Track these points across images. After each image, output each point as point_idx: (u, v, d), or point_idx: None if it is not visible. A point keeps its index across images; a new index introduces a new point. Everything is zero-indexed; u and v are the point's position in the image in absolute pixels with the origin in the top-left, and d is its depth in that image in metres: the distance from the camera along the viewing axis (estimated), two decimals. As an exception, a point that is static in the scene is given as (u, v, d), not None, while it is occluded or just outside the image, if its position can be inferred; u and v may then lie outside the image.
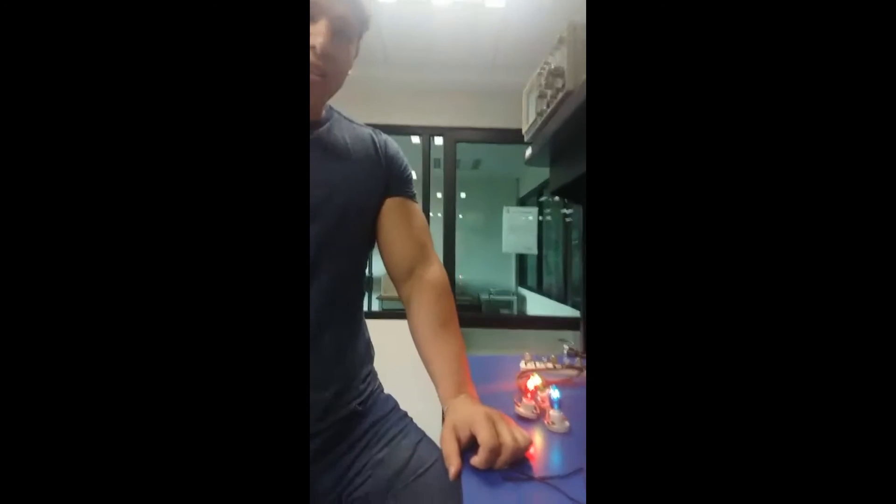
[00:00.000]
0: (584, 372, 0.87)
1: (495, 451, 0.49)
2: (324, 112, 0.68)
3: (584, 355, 0.97)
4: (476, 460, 0.50)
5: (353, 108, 0.73)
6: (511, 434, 0.51)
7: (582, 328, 1.28)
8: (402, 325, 0.74)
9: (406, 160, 0.75)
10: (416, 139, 2.38)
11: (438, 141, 2.35)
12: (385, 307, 3.50)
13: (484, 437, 0.50)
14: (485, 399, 0.61)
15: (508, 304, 4.74)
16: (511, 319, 3.14)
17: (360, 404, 0.67)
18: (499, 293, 4.86)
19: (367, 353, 0.73)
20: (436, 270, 0.71)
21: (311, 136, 0.64)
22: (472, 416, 0.53)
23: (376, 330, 0.77)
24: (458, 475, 0.50)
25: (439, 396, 0.62)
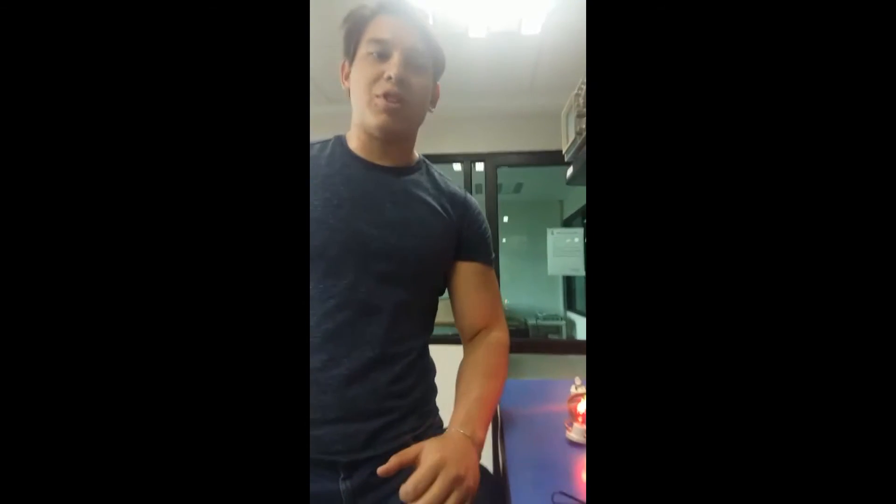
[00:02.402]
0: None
1: (408, 495, 0.48)
2: (416, 159, 0.74)
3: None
4: (402, 489, 0.49)
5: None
6: (433, 496, 0.48)
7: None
8: (444, 350, 0.74)
9: (486, 221, 0.78)
10: (457, 166, 2.43)
11: (480, 167, 2.39)
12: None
13: (415, 477, 0.49)
14: (534, 421, 0.60)
15: (557, 329, 4.61)
16: (560, 344, 3.06)
17: (414, 438, 0.65)
18: (547, 318, 4.75)
19: (429, 391, 0.72)
20: (498, 334, 0.75)
21: (402, 179, 0.70)
22: (438, 450, 0.52)
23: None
24: (384, 474, 0.50)
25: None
